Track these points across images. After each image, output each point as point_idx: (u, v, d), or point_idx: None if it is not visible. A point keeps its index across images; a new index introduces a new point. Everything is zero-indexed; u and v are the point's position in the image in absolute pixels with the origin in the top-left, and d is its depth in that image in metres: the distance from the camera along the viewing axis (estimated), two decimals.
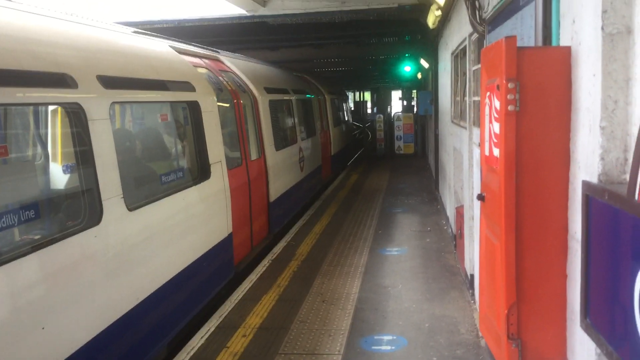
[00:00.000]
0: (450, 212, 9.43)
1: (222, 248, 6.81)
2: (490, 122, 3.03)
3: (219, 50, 9.29)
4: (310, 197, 13.21)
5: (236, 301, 6.73)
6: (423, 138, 22.09)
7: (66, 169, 4.55)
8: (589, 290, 2.44)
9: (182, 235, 5.76)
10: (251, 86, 9.32)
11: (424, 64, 17.84)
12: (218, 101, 7.19)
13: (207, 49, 8.57)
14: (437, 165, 13.39)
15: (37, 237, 3.82)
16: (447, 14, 9.03)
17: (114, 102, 4.71)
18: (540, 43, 3.13)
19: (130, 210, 4.69)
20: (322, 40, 15.02)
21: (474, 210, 6.15)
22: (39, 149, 4.65)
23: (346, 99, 26.75)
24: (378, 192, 14.35)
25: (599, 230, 2.33)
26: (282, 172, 10.15)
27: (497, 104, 2.86)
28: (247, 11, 9.49)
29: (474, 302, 6.23)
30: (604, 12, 2.31)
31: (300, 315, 6.22)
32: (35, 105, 4.27)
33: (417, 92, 25.79)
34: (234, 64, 9.36)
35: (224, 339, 5.71)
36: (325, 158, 15.70)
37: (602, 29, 2.32)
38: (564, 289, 2.85)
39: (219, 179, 6.77)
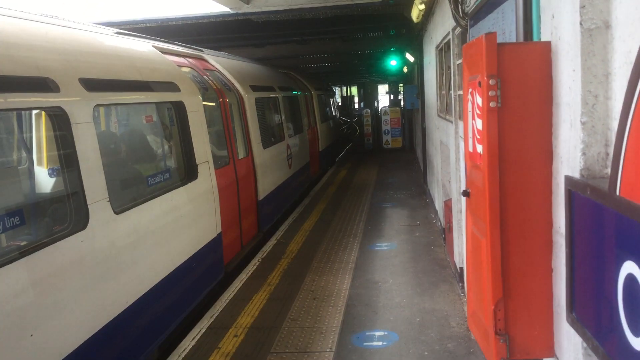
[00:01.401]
0: (439, 205, 9.46)
1: (212, 248, 6.81)
2: (473, 118, 3.04)
3: (203, 49, 9.28)
4: (299, 194, 13.32)
5: (227, 301, 6.71)
6: (411, 132, 22.13)
7: (51, 173, 4.53)
8: (574, 284, 2.46)
9: (171, 237, 5.74)
10: (237, 84, 9.36)
11: (410, 58, 17.86)
12: (203, 100, 7.19)
13: (190, 47, 8.56)
14: (425, 158, 13.42)
15: (23, 243, 3.79)
16: (430, 7, 9.03)
17: (97, 105, 4.66)
18: (521, 38, 3.13)
19: (117, 213, 4.64)
20: (307, 36, 14.98)
21: (461, 204, 6.18)
22: (23, 154, 4.61)
23: (333, 95, 27.05)
24: (367, 187, 14.37)
25: (583, 224, 2.35)
26: (270, 170, 10.20)
27: (479, 100, 2.86)
28: (230, 9, 9.43)
29: (464, 295, 6.26)
30: (582, 7, 2.31)
31: (292, 314, 6.22)
32: (17, 110, 4.26)
33: (403, 86, 25.84)
34: (219, 62, 9.38)
35: (216, 339, 5.70)
36: (313, 155, 15.81)
37: (581, 24, 2.32)
38: (550, 283, 2.86)
39: (206, 178, 6.75)
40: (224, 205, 7.33)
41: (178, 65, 7.05)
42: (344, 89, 50.22)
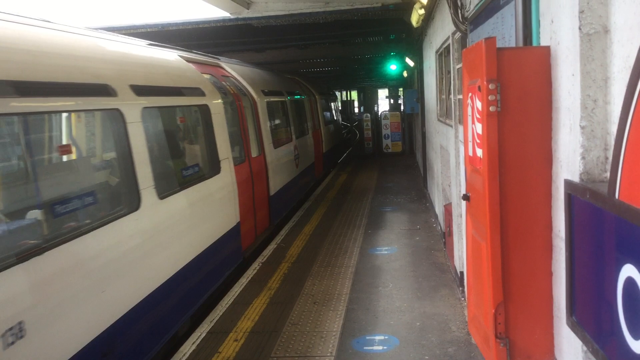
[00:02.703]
0: (439, 209, 9.47)
1: (232, 235, 7.65)
2: (473, 122, 3.05)
3: (219, 57, 9.94)
4: (305, 192, 13.98)
5: (227, 305, 6.71)
6: (411, 136, 22.15)
7: (113, 164, 5.35)
8: (574, 288, 2.46)
9: (201, 222, 6.58)
10: (250, 90, 10.17)
11: (410, 62, 17.89)
12: (223, 104, 7.95)
13: (208, 56, 9.25)
14: (425, 163, 13.43)
15: (95, 218, 4.59)
16: (430, 12, 9.06)
17: (144, 107, 5.51)
18: (520, 43, 3.14)
19: (160, 199, 5.50)
20: (307, 40, 15.01)
21: (462, 208, 6.18)
22: (96, 147, 5.54)
23: (335, 99, 27.92)
24: (367, 191, 14.37)
25: (582, 228, 2.35)
26: (279, 168, 11.04)
27: (478, 104, 2.87)
28: (230, 14, 9.47)
29: (464, 300, 6.26)
30: (581, 12, 2.33)
31: (292, 318, 6.22)
32: (88, 111, 4.97)
33: (403, 91, 25.86)
34: (233, 69, 10.12)
35: (216, 344, 5.69)
36: (317, 155, 16.56)
37: (580, 28, 2.34)
38: (550, 287, 2.87)
39: (227, 173, 7.59)
40: (241, 198, 8.09)
41: (201, 72, 7.84)
42: (344, 93, 50.26)
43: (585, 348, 2.40)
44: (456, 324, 5.82)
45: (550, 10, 2.77)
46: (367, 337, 5.63)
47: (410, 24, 11.17)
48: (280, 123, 12.39)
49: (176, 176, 6.40)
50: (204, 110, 7.24)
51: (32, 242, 3.89)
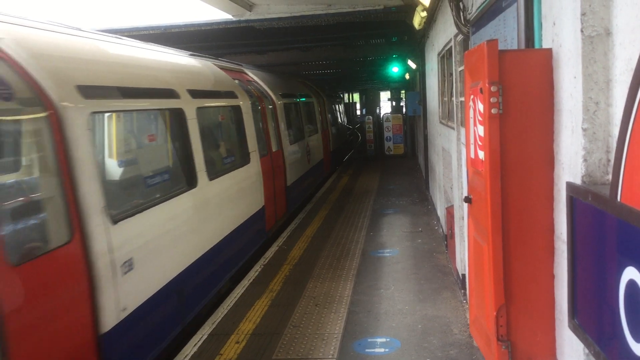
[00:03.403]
0: (441, 212, 9.46)
1: (259, 216, 9.09)
2: (475, 125, 3.05)
3: (242, 64, 11.41)
4: (315, 186, 15.46)
5: (229, 307, 6.71)
6: (412, 138, 22.14)
7: (179, 151, 6.55)
8: (576, 290, 2.46)
9: (237, 202, 7.99)
10: (270, 92, 11.59)
11: (412, 64, 17.90)
12: (250, 105, 9.39)
13: (233, 63, 10.66)
14: (427, 165, 13.43)
15: (169, 192, 5.92)
16: (432, 15, 9.06)
17: (198, 107, 6.84)
18: (523, 45, 3.14)
19: (210, 180, 6.85)
20: (310, 43, 15.03)
21: (463, 210, 6.18)
22: (167, 138, 6.70)
23: (341, 101, 29.62)
24: (369, 193, 14.37)
25: (584, 231, 2.35)
26: (295, 162, 12.55)
27: (480, 107, 2.87)
28: (233, 16, 9.48)
29: (466, 302, 6.25)
30: (583, 14, 2.32)
31: (294, 320, 6.22)
32: (162, 110, 6.27)
33: (405, 93, 25.85)
34: (255, 74, 11.53)
35: (217, 346, 5.69)
36: (325, 153, 18.00)
37: (582, 31, 2.34)
38: (551, 289, 2.86)
39: (255, 163, 9.05)
40: (264, 186, 9.48)
41: (231, 78, 9.24)
42: (346, 95, 50.24)
43: (587, 351, 2.39)
44: (458, 326, 5.81)
45: (552, 13, 2.77)
46: (369, 340, 5.63)
47: (412, 26, 11.17)
48: (294, 122, 13.76)
49: (219, 163, 7.75)
50: (237, 110, 8.73)
51: (138, 202, 5.31)
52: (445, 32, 7.66)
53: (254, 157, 9.00)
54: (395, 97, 31.28)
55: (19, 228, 3.79)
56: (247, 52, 15.86)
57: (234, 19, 9.54)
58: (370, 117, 24.88)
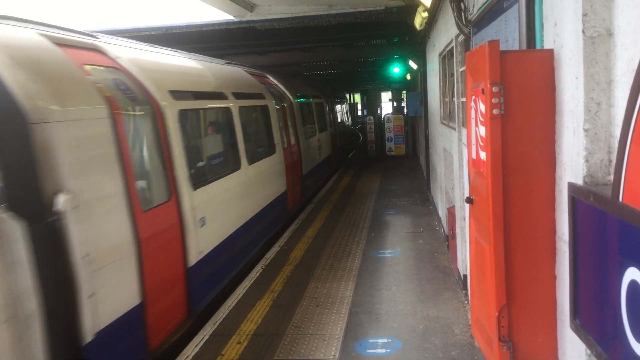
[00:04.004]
0: (442, 212, 9.45)
1: (282, 198, 10.90)
2: (476, 125, 3.05)
3: (264, 68, 13.62)
4: (326, 177, 17.39)
5: (230, 308, 6.71)
6: (414, 139, 22.13)
7: (229, 141, 8.21)
8: (577, 291, 2.46)
9: (267, 184, 9.77)
10: (288, 94, 13.41)
11: (413, 65, 17.89)
12: (274, 104, 11.28)
13: (256, 68, 12.66)
14: (428, 166, 13.42)
15: (224, 171, 7.64)
16: (433, 15, 9.06)
17: (240, 107, 8.70)
18: (524, 45, 3.14)
19: (249, 165, 8.66)
20: (311, 43, 15.03)
21: (465, 211, 6.18)
22: (222, 130, 8.21)
23: (346, 102, 31.82)
24: (370, 194, 14.37)
25: (586, 231, 2.35)
26: (308, 154, 14.34)
27: (482, 107, 2.87)
28: (234, 17, 9.48)
29: (468, 303, 6.25)
30: (585, 15, 2.32)
31: (295, 321, 6.22)
32: (216, 108, 8.02)
33: (406, 94, 25.84)
34: (274, 78, 13.29)
35: (219, 346, 5.70)
36: (333, 148, 19.84)
37: (583, 32, 2.34)
38: (553, 290, 2.86)
39: (279, 154, 10.91)
40: (286, 173, 11.21)
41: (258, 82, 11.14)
42: (347, 96, 50.22)
43: (588, 351, 2.39)
44: (459, 327, 5.81)
45: (553, 13, 2.77)
46: (370, 340, 5.63)
47: (413, 26, 11.18)
48: (308, 120, 15.54)
49: (255, 152, 9.40)
50: (265, 108, 10.57)
51: (206, 177, 6.94)
52: (447, 33, 7.66)
53: (279, 148, 10.93)
54: (396, 98, 31.27)
55: (144, 188, 5.46)
56: (248, 53, 15.86)
57: (235, 19, 9.54)
58: (372, 117, 24.87)
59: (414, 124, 21.27)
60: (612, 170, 2.33)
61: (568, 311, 2.55)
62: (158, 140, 5.80)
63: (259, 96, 10.31)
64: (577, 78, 2.43)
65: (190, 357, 5.47)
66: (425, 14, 9.13)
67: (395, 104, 31.08)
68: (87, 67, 5.01)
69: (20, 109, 3.93)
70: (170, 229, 5.72)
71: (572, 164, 2.54)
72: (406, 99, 25.37)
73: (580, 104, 2.39)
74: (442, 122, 9.33)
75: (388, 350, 5.39)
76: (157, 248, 5.38)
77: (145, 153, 5.66)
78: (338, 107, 25.16)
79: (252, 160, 8.84)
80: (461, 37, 6.33)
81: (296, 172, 12.53)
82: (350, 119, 30.66)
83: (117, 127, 4.93)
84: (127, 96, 5.43)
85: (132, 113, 5.44)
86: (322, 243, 9.51)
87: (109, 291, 4.48)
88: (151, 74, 6.09)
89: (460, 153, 6.63)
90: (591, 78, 2.35)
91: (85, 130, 4.47)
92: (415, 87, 19.15)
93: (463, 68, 6.23)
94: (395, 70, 20.81)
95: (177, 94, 6.43)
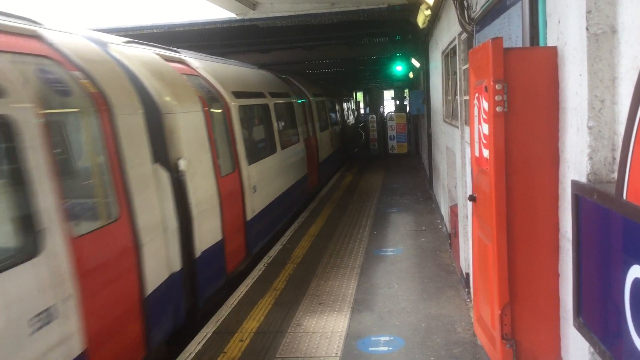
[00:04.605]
0: (445, 210, 9.44)
1: (304, 180, 12.96)
2: (480, 123, 3.04)
3: (286, 72, 15.65)
4: (337, 166, 19.62)
5: (232, 306, 6.72)
6: (416, 137, 22.10)
7: (267, 130, 10.39)
8: (581, 289, 2.45)
9: (294, 167, 11.89)
10: (307, 93, 15.62)
11: (416, 63, 17.87)
12: (297, 102, 13.69)
13: (280, 72, 14.70)
14: (430, 164, 13.41)
15: (263, 154, 9.60)
16: (436, 13, 9.05)
17: (274, 103, 10.87)
18: (527, 43, 3.14)
19: (281, 149, 10.78)
20: (313, 42, 15.03)
21: (467, 209, 6.17)
22: (262, 122, 10.36)
23: (352, 100, 34.91)
24: (373, 192, 14.36)
25: (589, 229, 2.34)
26: (323, 145, 16.48)
27: (485, 105, 2.86)
28: (237, 15, 9.48)
29: (470, 301, 6.24)
30: (588, 12, 2.32)
31: (297, 318, 6.22)
32: (257, 105, 9.96)
33: (409, 92, 25.80)
34: (294, 79, 15.35)
35: (221, 344, 5.70)
36: (342, 142, 22.01)
37: (587, 29, 2.33)
38: (556, 288, 2.85)
39: (302, 143, 13.23)
40: (307, 160, 13.43)
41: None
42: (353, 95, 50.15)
43: (592, 349, 2.39)
44: (462, 325, 5.80)
45: (557, 11, 2.76)
46: (373, 338, 5.62)
47: (416, 24, 11.16)
48: (322, 115, 17.63)
49: (285, 139, 11.54)
50: (290, 105, 12.89)
51: (255, 156, 8.84)
52: (450, 31, 7.65)
53: (301, 138, 13.23)
54: (398, 96, 31.22)
55: (221, 161, 7.34)
56: (250, 51, 15.86)
57: (238, 17, 9.54)
58: (374, 116, 24.85)
59: (417, 123, 21.24)
60: (615, 168, 2.32)
61: (571, 309, 2.55)
62: (227, 128, 7.90)
63: (286, 95, 12.63)
64: (580, 75, 2.42)
65: (193, 354, 5.48)
66: (428, 12, 9.11)
67: (397, 102, 31.01)
68: (184, 76, 6.99)
69: (156, 105, 5.84)
70: (235, 191, 7.77)
71: (576, 162, 2.53)
72: (409, 97, 25.32)
73: (584, 101, 2.38)
74: (444, 121, 9.32)
75: (390, 348, 5.38)
76: (229, 203, 7.35)
77: (221, 137, 7.57)
78: (346, 105, 27.58)
79: (283, 146, 11.05)
80: (464, 35, 6.32)
81: (314, 160, 14.64)
82: (353, 117, 31.86)
83: (206, 118, 6.94)
84: (208, 96, 7.44)
85: (213, 109, 7.41)
86: (325, 241, 9.51)
87: (206, 227, 6.46)
88: (220, 79, 8.22)
89: (463, 151, 6.62)
90: (595, 75, 2.34)
91: (191, 120, 6.46)
92: (418, 85, 19.13)
93: (466, 66, 6.22)
94: (398, 68, 20.78)
95: (237, 94, 8.60)
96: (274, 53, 16.79)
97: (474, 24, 5.51)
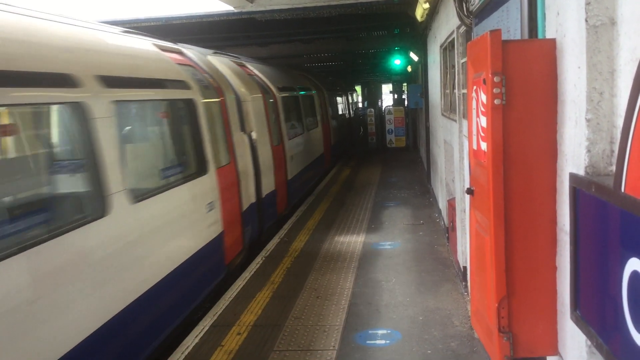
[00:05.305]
0: (443, 204, 9.45)
1: (322, 158, 16.30)
2: (477, 116, 3.03)
3: (304, 71, 18.98)
4: (343, 150, 22.19)
5: (230, 299, 6.72)
6: (414, 131, 22.09)
7: (296, 116, 13.45)
8: (578, 282, 2.45)
9: (315, 146, 15.14)
10: (322, 87, 18.72)
11: (414, 57, 17.83)
12: (317, 95, 17.01)
13: (300, 69, 18.33)
14: (428, 158, 13.40)
15: (297, 133, 13.38)
16: (435, 6, 9.01)
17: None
18: (526, 35, 3.12)
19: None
20: (311, 35, 14.96)
21: (465, 203, 6.17)
22: (295, 110, 14.02)
23: (356, 93, 38.02)
24: (370, 186, 14.36)
25: (587, 222, 2.34)
26: (335, 130, 20.10)
27: (483, 97, 2.85)
28: (234, 7, 9.41)
29: (467, 294, 6.25)
30: (588, 3, 2.30)
31: (295, 312, 6.23)
32: (291, 96, 13.25)
33: (407, 86, 25.78)
34: (312, 75, 18.24)
35: (219, 337, 5.71)
36: (350, 130, 25.59)
37: (586, 20, 2.31)
38: (554, 281, 2.85)
39: (320, 128, 16.51)
40: (323, 141, 16.72)
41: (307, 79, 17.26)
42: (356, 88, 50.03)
43: (589, 342, 2.38)
44: (459, 318, 5.81)
45: (556, 3, 2.74)
46: (370, 331, 5.63)
47: (414, 18, 11.12)
48: (333, 106, 21.22)
49: (308, 124, 14.77)
50: (311, 97, 16.32)
51: (291, 134, 12.38)
52: (448, 24, 7.62)
53: (320, 124, 16.57)
54: (397, 90, 31.16)
55: (273, 135, 10.49)
56: (248, 44, 15.79)
57: (235, 10, 9.47)
58: (372, 109, 24.81)
59: (415, 116, 21.22)
60: (614, 160, 2.31)
61: (568, 302, 2.54)
62: (276, 112, 11.12)
63: (309, 89, 16.24)
64: (579, 68, 2.41)
65: (190, 347, 5.48)
66: (427, 5, 9.08)
67: (396, 96, 30.97)
68: (248, 76, 9.98)
69: (238, 96, 8.72)
70: (281, 158, 10.81)
71: (574, 155, 2.52)
72: (407, 91, 25.31)
73: (583, 93, 2.37)
74: (442, 114, 9.30)
75: (388, 342, 5.39)
76: (277, 167, 10.32)
77: (272, 118, 10.64)
78: (352, 98, 32.01)
79: (307, 129, 14.37)
80: (462, 28, 6.30)
81: (328, 142, 17.77)
82: (358, 108, 34.32)
83: (265, 105, 10.06)
84: (264, 90, 10.49)
85: (268, 99, 10.54)
86: (323, 235, 9.51)
87: (265, 180, 9.38)
88: (267, 77, 11.63)
89: (460, 145, 6.61)
90: (594, 67, 2.32)
91: (256, 105, 9.49)
92: (416, 79, 19.09)
93: (464, 59, 6.20)
94: (396, 62, 20.73)
95: (280, 88, 11.95)
96: (272, 46, 16.72)
97: (472, 17, 5.49)
